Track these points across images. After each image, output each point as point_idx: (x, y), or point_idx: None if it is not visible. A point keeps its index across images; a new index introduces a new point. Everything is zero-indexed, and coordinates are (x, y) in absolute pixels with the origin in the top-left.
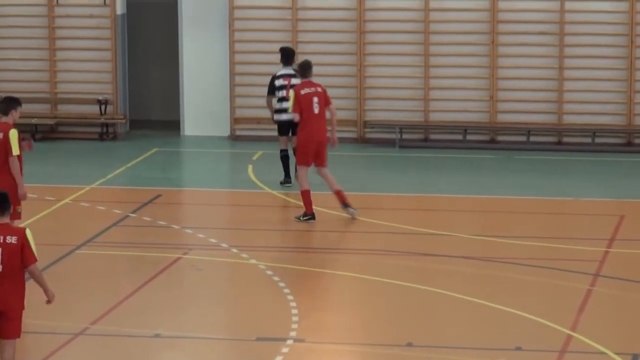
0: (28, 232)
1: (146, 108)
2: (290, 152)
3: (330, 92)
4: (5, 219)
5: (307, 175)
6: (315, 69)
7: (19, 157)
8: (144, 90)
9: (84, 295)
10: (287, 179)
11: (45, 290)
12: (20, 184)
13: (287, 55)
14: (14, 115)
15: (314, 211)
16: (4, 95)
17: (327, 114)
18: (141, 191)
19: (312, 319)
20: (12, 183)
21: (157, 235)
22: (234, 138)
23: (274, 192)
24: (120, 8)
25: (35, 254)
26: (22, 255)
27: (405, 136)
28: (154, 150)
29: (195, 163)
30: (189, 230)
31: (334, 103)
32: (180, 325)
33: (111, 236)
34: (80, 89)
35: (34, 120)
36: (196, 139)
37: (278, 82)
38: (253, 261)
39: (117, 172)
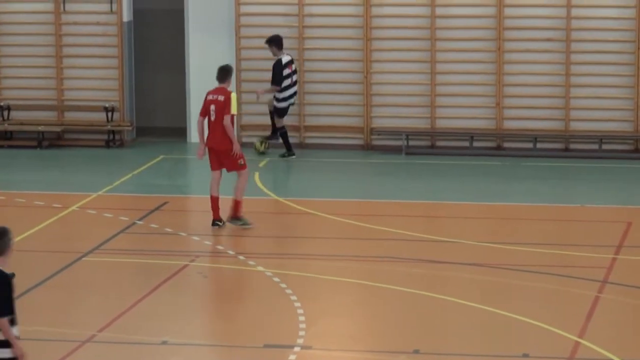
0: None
1: (152, 115)
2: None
3: (336, 99)
4: None
5: (216, 181)
6: (321, 75)
7: None
8: (150, 97)
9: (91, 303)
10: (289, 152)
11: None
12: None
13: (280, 41)
14: None
15: (220, 216)
16: (10, 102)
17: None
18: (148, 198)
19: (320, 326)
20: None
21: (164, 242)
22: (240, 144)
23: (281, 199)
24: (127, 15)
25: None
26: None
27: (411, 143)
28: (160, 157)
29: (201, 170)
30: (195, 238)
31: (340, 109)
32: (187, 333)
33: (118, 243)
34: (87, 96)
35: (40, 128)
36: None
37: (285, 72)
38: (260, 268)
39: (123, 179)
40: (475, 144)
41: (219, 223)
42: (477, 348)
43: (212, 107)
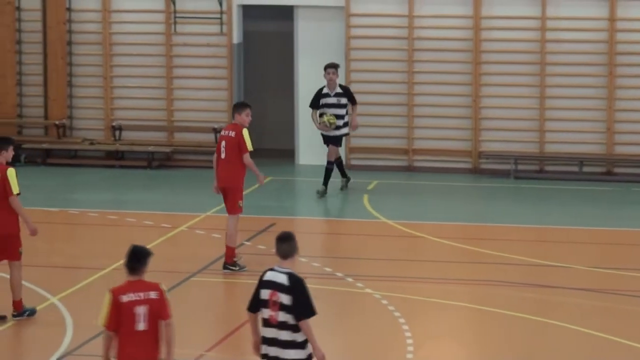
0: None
1: (261, 137)
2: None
3: (445, 122)
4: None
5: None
6: (430, 99)
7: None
8: (259, 119)
9: (199, 323)
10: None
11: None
12: (28, 221)
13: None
14: (5, 156)
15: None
16: (122, 123)
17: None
18: (256, 219)
19: (427, 348)
20: (14, 222)
21: (271, 263)
22: (349, 167)
23: (390, 222)
24: (236, 37)
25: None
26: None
27: (520, 167)
28: (268, 179)
29: (309, 192)
30: (303, 259)
31: (449, 133)
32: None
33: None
34: (196, 117)
35: (150, 148)
36: (311, 168)
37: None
38: (368, 290)
39: None
40: (585, 169)
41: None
42: None
43: (223, 143)
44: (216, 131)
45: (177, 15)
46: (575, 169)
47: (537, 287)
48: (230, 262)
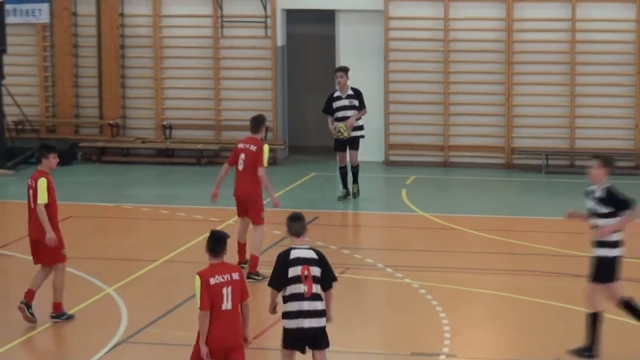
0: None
1: (304, 134)
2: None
3: (479, 120)
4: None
5: (243, 227)
6: (465, 98)
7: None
8: (302, 117)
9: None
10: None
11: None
12: (49, 230)
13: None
14: (47, 163)
15: (245, 259)
16: (172, 122)
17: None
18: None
19: (464, 336)
20: (54, 228)
21: None
22: (388, 163)
23: (427, 215)
24: (280, 40)
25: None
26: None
27: (551, 162)
28: (312, 174)
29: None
30: (345, 251)
31: (483, 130)
32: (337, 340)
33: (272, 256)
34: (243, 116)
35: (199, 146)
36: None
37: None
38: (407, 280)
39: (277, 194)
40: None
41: (244, 265)
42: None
43: (242, 155)
44: None
45: (224, 19)
46: None
47: (570, 277)
48: (254, 272)
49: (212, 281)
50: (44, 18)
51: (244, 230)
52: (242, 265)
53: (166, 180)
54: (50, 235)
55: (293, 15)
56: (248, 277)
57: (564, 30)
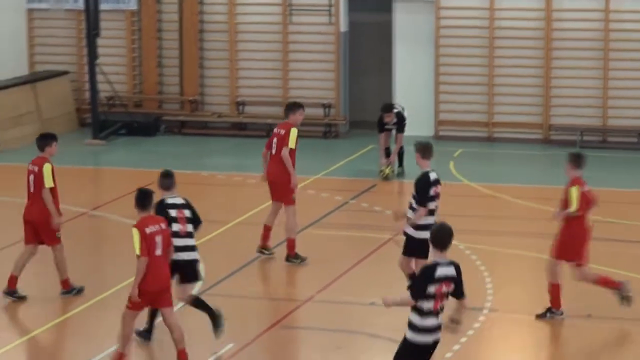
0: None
1: (364, 111)
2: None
3: (519, 100)
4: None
5: (272, 212)
6: (506, 79)
7: (52, 189)
8: (362, 95)
9: (311, 269)
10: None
11: None
12: (55, 215)
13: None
14: (49, 151)
15: (267, 245)
16: (245, 99)
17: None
18: (359, 181)
19: (504, 293)
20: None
21: (372, 219)
22: (437, 137)
23: (473, 184)
24: (343, 26)
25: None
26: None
27: (585, 138)
28: (370, 147)
29: (405, 159)
30: None
31: (523, 109)
32: (388, 293)
33: (333, 219)
34: (308, 94)
35: (269, 121)
36: (405, 138)
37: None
38: (454, 242)
39: (338, 165)
40: None
41: (264, 251)
42: None
43: (275, 140)
44: (325, 106)
45: (293, 8)
46: (634, 139)
47: (604, 241)
48: (293, 255)
49: (148, 230)
50: (133, 5)
51: (273, 214)
52: (262, 250)
53: (239, 150)
54: (57, 219)
55: (355, 4)
56: (287, 260)
57: (598, 20)
